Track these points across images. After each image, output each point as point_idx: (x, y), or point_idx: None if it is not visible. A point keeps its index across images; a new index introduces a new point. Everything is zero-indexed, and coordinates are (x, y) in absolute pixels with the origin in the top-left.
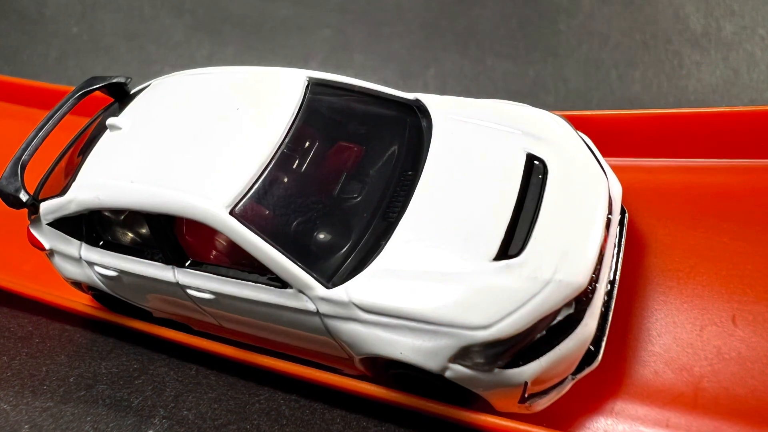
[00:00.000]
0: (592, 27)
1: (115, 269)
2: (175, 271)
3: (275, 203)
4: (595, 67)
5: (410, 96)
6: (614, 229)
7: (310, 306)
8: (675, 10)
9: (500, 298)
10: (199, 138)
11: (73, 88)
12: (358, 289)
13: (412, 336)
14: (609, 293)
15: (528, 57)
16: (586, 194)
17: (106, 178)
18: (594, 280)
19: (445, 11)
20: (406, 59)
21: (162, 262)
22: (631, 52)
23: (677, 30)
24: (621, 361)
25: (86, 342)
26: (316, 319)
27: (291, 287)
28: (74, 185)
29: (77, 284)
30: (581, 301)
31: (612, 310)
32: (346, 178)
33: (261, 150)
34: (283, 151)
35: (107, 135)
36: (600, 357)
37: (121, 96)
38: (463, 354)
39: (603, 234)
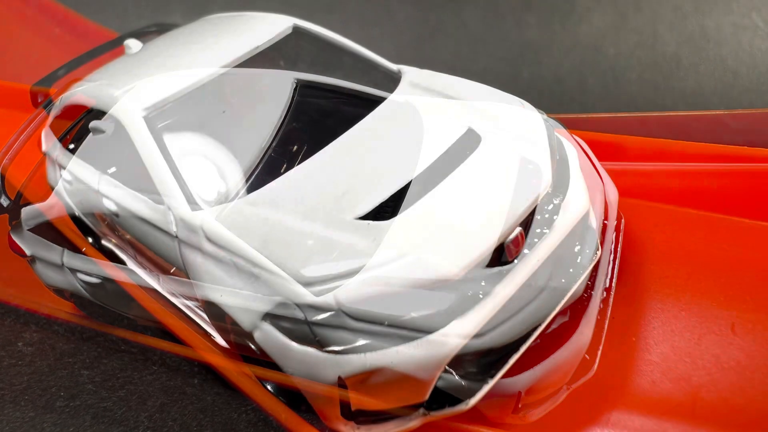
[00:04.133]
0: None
1: (98, 275)
2: None
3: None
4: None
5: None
6: (611, 235)
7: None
8: (673, 10)
9: (493, 306)
10: None
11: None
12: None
13: (403, 343)
14: (605, 301)
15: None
16: (580, 198)
17: (89, 183)
18: (590, 287)
19: None
20: None
21: None
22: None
23: (675, 31)
24: (617, 370)
25: (69, 351)
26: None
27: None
28: (57, 190)
29: (59, 292)
30: (576, 308)
31: (608, 319)
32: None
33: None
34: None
35: (90, 139)
36: (596, 366)
37: None
38: (455, 363)
39: (598, 240)
